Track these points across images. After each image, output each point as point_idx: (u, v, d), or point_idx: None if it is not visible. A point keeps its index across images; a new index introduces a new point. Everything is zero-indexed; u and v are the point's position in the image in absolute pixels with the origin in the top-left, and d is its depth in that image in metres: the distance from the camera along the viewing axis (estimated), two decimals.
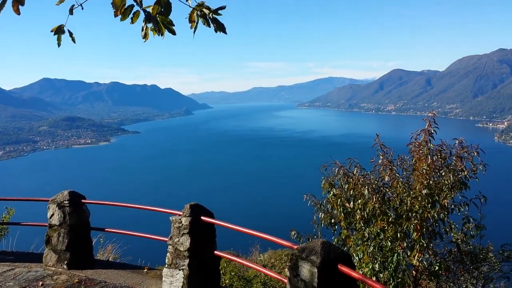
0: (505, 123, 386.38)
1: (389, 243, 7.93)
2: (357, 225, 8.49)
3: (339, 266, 5.08)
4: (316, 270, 5.10)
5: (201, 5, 4.53)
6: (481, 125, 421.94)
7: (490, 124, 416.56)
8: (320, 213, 9.21)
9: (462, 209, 8.19)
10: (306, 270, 5.27)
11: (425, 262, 8.24)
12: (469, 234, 8.51)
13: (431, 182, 8.11)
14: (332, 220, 9.09)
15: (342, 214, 8.73)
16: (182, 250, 7.25)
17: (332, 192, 9.03)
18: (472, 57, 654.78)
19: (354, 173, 8.86)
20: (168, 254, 7.49)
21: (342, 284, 5.16)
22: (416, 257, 8.06)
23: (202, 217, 7.22)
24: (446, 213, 8.02)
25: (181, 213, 7.35)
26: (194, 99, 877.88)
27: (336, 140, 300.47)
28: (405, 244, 8.28)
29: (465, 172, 8.20)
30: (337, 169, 9.06)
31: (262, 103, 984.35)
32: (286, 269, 5.66)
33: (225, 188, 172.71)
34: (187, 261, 7.20)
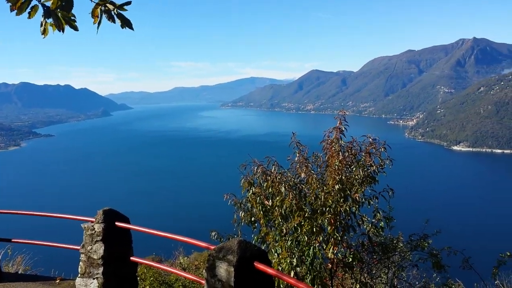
0: (414, 120, 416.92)
1: (306, 238, 8.17)
2: (275, 221, 8.66)
3: (255, 264, 5.13)
4: (232, 269, 5.10)
5: (105, 0, 4.33)
6: (393, 123, 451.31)
7: (401, 121, 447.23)
8: (241, 212, 9.28)
9: (372, 202, 8.66)
10: (223, 270, 5.25)
11: (339, 255, 8.59)
12: (379, 226, 9.01)
13: (343, 177, 8.47)
14: (252, 218, 9.19)
15: (262, 212, 8.85)
16: (95, 258, 6.92)
17: (251, 191, 9.11)
18: (383, 58, 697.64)
19: (272, 171, 9.02)
20: (81, 263, 7.12)
21: (259, 281, 5.22)
22: (331, 250, 8.38)
23: (117, 223, 6.94)
24: (357, 206, 8.43)
25: (93, 219, 7.00)
26: (112, 99, 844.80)
27: (260, 139, 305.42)
28: (321, 238, 8.58)
29: (374, 167, 8.67)
30: (256, 168, 9.17)
31: (185, 103, 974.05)
32: (204, 270, 5.61)
33: (148, 192, 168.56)
34: (101, 269, 6.89)
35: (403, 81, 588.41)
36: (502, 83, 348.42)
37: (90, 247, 6.95)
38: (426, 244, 9.45)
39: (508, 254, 9.60)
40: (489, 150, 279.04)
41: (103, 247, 6.79)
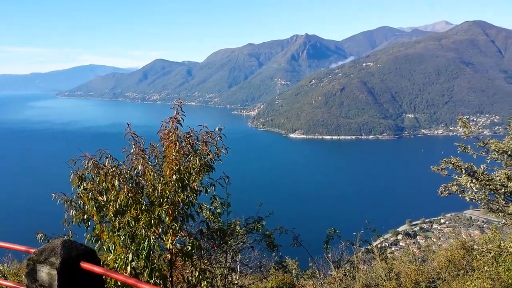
0: (256, 110, 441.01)
1: (143, 231, 7.97)
2: (108, 217, 8.27)
3: (81, 264, 4.80)
4: (55, 272, 4.70)
5: None
6: (237, 113, 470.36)
7: (244, 111, 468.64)
8: (72, 211, 8.59)
9: (209, 190, 8.86)
10: (44, 274, 4.80)
11: (178, 245, 8.61)
12: (217, 213, 9.28)
13: (181, 167, 8.46)
14: (85, 216, 8.60)
15: (95, 208, 8.34)
16: None
17: (82, 186, 8.51)
18: (226, 50, 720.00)
19: (106, 164, 8.56)
20: None
21: (86, 281, 4.90)
22: (170, 241, 8.35)
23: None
24: (195, 195, 8.53)
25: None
26: None
27: (103, 130, 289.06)
28: (160, 230, 8.46)
29: (210, 156, 8.86)
30: (87, 162, 8.58)
31: (12, 92, 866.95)
32: (24, 276, 5.06)
33: None
34: None
35: (245, 73, 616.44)
36: (330, 76, 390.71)
37: None
38: (260, 226, 10.06)
39: (334, 230, 10.77)
40: (320, 137, 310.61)
41: None
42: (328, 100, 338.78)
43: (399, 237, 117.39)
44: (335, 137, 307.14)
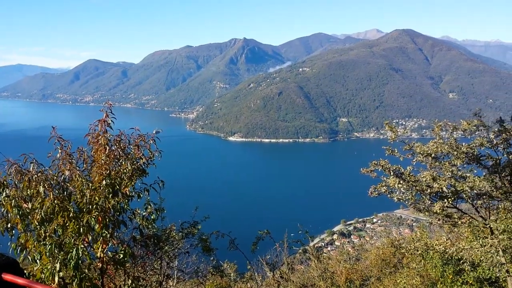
0: (194, 113, 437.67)
1: (72, 239, 7.58)
2: (33, 225, 7.78)
3: (3, 275, 4.47)
4: None
5: None
6: (175, 115, 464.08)
7: (182, 114, 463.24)
8: None
9: (142, 195, 8.59)
10: None
11: (110, 252, 8.27)
12: (151, 218, 9.02)
13: (112, 172, 8.14)
14: (9, 225, 8.03)
15: (18, 216, 7.81)
16: None
17: (5, 193, 7.94)
18: (163, 52, 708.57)
19: (31, 170, 8.04)
20: None
21: None
22: (100, 249, 7.99)
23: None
24: (127, 201, 8.23)
25: None
26: None
27: (30, 134, 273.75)
28: (89, 238, 8.09)
29: (143, 160, 8.60)
30: (9, 167, 8.02)
31: None
32: None
33: None
34: None
35: (183, 76, 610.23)
36: (268, 80, 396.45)
37: None
38: (196, 231, 9.92)
39: (266, 231, 10.84)
40: (259, 140, 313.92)
41: None
42: (266, 103, 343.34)
43: (335, 236, 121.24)
44: (273, 140, 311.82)
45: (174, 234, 10.44)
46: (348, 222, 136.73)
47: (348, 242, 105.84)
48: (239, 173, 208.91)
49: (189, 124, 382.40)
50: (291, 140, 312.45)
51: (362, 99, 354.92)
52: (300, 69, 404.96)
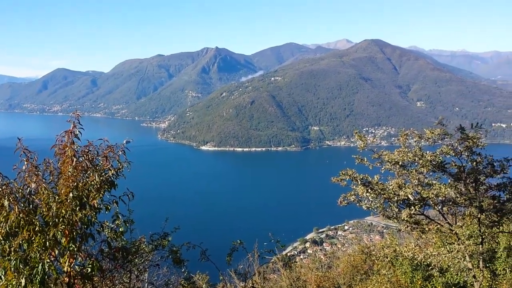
0: (166, 122, 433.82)
1: (38, 254, 7.37)
2: None
3: None
4: None
5: None
6: (146, 125, 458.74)
7: (154, 124, 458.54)
8: None
9: (111, 207, 8.43)
10: None
11: (77, 267, 8.07)
12: (119, 231, 8.86)
13: (79, 184, 7.98)
14: None
15: None
16: None
17: None
18: (134, 61, 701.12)
19: None
20: None
21: None
22: (67, 263, 7.79)
23: None
24: (95, 213, 8.07)
25: None
26: None
27: None
28: (56, 252, 7.87)
29: (112, 171, 8.45)
30: None
31: None
32: None
33: None
34: None
35: (155, 85, 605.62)
36: (240, 89, 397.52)
37: None
38: (166, 242, 9.80)
39: (239, 242, 10.80)
40: (232, 148, 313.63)
41: None
42: (239, 112, 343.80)
43: (307, 244, 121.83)
44: (246, 149, 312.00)
45: (144, 246, 10.28)
46: (320, 230, 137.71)
47: (320, 249, 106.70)
48: (211, 182, 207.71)
49: (160, 134, 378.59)
50: (263, 149, 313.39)
51: (333, 107, 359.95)
52: (272, 78, 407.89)
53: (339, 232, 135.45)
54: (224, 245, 10.81)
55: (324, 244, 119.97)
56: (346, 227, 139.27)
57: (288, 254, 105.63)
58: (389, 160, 10.73)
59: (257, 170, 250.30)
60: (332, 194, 10.66)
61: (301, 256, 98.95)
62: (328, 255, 42.05)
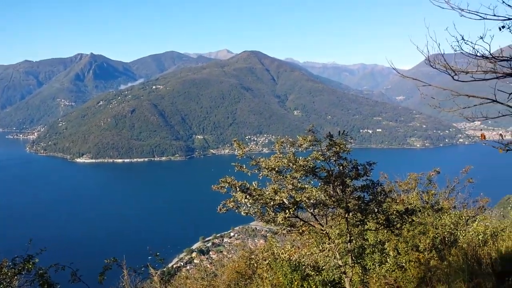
0: (35, 133, 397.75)
1: None
2: None
3: None
4: None
5: None
6: (12, 137, 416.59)
7: (21, 135, 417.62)
8: None
9: None
10: None
11: None
12: None
13: None
14: None
15: None
16: None
17: None
18: None
19: None
20: None
21: None
22: None
23: None
24: None
25: None
26: None
27: None
28: None
29: None
30: None
31: None
32: None
33: None
34: None
35: (22, 93, 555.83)
36: (119, 98, 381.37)
37: None
38: (31, 266, 8.93)
39: (113, 259, 10.25)
40: (111, 160, 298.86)
41: None
42: (118, 122, 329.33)
43: (193, 254, 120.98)
44: (127, 160, 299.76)
45: (6, 270, 9.23)
46: (207, 239, 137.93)
47: (207, 258, 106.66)
48: (85, 197, 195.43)
49: (29, 146, 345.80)
50: (146, 159, 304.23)
51: (216, 116, 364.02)
52: (154, 87, 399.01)
53: (225, 239, 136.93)
54: (99, 263, 10.14)
55: (210, 253, 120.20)
56: (232, 234, 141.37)
57: (174, 266, 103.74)
58: (266, 167, 11.12)
59: (139, 181, 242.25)
60: (217, 202, 10.73)
61: (188, 267, 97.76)
62: (214, 263, 42.17)
